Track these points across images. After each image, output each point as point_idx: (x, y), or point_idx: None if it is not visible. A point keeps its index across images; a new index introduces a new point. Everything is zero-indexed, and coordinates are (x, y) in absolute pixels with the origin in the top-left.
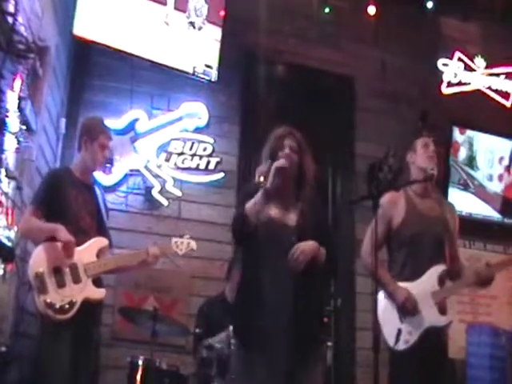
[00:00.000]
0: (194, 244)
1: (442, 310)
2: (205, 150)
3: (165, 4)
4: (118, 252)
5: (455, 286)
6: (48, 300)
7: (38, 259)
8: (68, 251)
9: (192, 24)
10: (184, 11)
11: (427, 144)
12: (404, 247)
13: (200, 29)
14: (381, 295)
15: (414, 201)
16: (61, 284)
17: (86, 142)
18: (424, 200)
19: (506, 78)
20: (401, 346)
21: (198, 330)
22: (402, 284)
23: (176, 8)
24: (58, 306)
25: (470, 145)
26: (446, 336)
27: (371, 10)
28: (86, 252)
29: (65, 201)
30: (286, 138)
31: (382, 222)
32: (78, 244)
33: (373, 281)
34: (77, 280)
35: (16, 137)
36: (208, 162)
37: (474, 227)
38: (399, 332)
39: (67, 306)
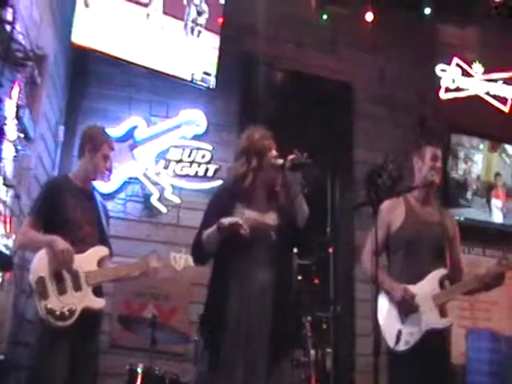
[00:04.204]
0: (191, 260)
1: (443, 313)
2: (203, 157)
3: (162, 12)
4: (117, 260)
5: (456, 289)
6: (49, 306)
7: (40, 264)
8: (66, 259)
9: (192, 29)
10: (182, 19)
11: (436, 157)
12: (402, 251)
13: (199, 34)
14: (382, 298)
15: (414, 207)
16: (62, 290)
17: (91, 151)
18: (424, 207)
19: (503, 83)
20: (401, 347)
21: (197, 338)
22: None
23: (173, 16)
24: (58, 313)
25: None
26: (448, 340)
27: (369, 16)
28: (87, 260)
29: (64, 211)
30: (268, 139)
31: (381, 227)
32: (80, 252)
33: (372, 286)
34: (77, 288)
35: (14, 145)
36: (206, 169)
37: (472, 232)
38: (399, 333)
39: (67, 313)
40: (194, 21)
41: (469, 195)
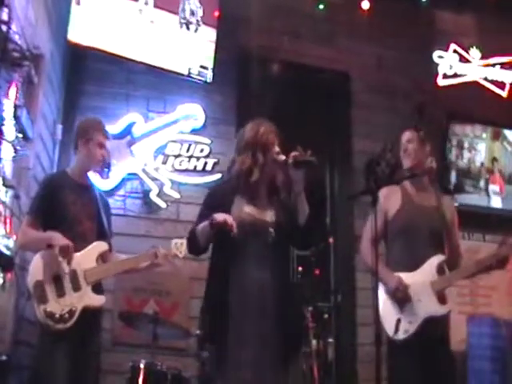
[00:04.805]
0: None
1: (442, 300)
2: (202, 151)
3: (154, 6)
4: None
5: (454, 275)
6: (48, 309)
7: (38, 268)
8: (66, 255)
9: (187, 26)
10: (176, 13)
11: (403, 142)
12: (399, 238)
13: (196, 30)
14: (382, 287)
15: (410, 193)
16: (60, 293)
17: (86, 143)
18: (420, 192)
19: (501, 67)
20: (400, 336)
21: (199, 332)
22: (400, 274)
23: (169, 10)
24: (58, 316)
25: None
26: (447, 327)
27: (365, 4)
28: (86, 258)
29: (62, 207)
30: (272, 133)
31: (379, 215)
32: (78, 250)
33: (371, 275)
34: (76, 288)
35: (13, 145)
36: (205, 164)
37: (472, 218)
38: (399, 321)
39: (67, 315)
40: (188, 17)
41: (482, 184)
